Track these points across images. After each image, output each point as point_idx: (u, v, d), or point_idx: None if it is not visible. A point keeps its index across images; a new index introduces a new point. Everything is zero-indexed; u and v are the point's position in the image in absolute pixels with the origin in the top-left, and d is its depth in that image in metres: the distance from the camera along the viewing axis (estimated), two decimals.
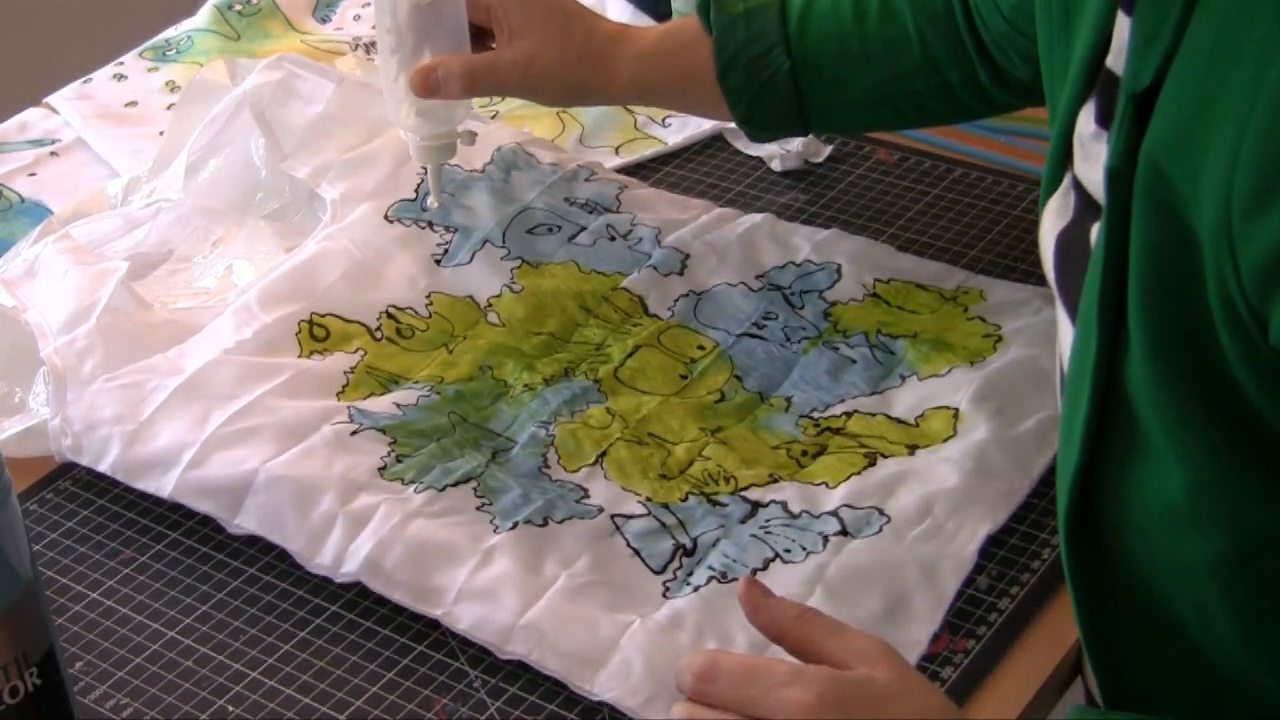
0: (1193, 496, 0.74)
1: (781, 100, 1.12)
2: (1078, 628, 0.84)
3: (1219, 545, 0.74)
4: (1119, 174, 0.74)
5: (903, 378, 1.06)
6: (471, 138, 1.10)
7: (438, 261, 1.17)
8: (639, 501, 0.98)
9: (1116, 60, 0.78)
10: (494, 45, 1.11)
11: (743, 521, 0.96)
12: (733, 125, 1.34)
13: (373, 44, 1.50)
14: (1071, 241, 0.83)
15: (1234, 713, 0.79)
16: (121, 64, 1.50)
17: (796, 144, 1.31)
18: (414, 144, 1.09)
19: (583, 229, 1.19)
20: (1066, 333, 0.82)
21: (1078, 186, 0.83)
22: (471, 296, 1.14)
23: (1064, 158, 0.85)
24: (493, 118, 1.37)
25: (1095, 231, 0.78)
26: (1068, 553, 0.81)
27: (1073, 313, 0.81)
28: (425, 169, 1.11)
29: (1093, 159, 0.80)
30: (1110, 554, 0.80)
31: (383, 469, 1.00)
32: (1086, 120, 0.82)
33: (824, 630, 0.77)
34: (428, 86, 1.06)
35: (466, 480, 0.99)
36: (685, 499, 0.98)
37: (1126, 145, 0.74)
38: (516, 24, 1.09)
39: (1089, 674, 0.90)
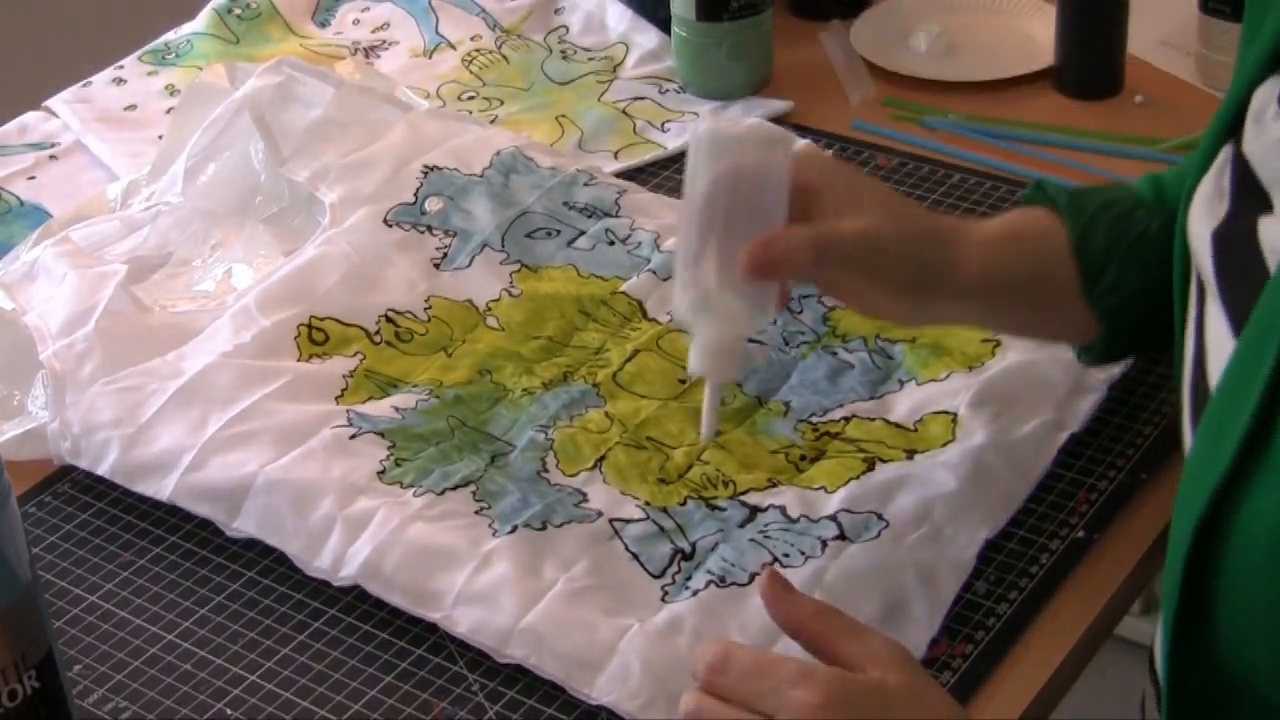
0: None
1: (1152, 259, 0.93)
2: (1161, 655, 0.78)
3: None
4: None
5: (901, 382, 1.06)
6: (765, 353, 0.93)
7: (437, 265, 1.17)
8: (637, 505, 0.98)
9: None
10: None
11: (741, 526, 0.96)
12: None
13: (371, 48, 1.50)
14: (1233, 240, 0.77)
15: None
16: (121, 67, 1.50)
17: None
18: (699, 350, 0.89)
19: (582, 233, 1.19)
20: (1223, 339, 0.76)
21: (1239, 167, 0.78)
22: (470, 300, 1.14)
23: (1229, 131, 0.79)
24: (493, 122, 1.37)
25: (1265, 229, 0.72)
26: (1182, 578, 0.75)
27: (1235, 320, 0.75)
28: (701, 380, 0.92)
29: (1270, 140, 0.74)
30: (1228, 582, 0.74)
31: (381, 473, 1.00)
32: (1270, 94, 0.76)
33: (841, 630, 0.77)
34: (766, 261, 0.87)
35: (465, 484, 1.00)
36: (684, 503, 0.98)
37: None
38: (847, 200, 0.91)
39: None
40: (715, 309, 0.89)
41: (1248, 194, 0.78)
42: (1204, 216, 0.81)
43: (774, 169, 0.89)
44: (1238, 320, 0.76)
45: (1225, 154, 0.81)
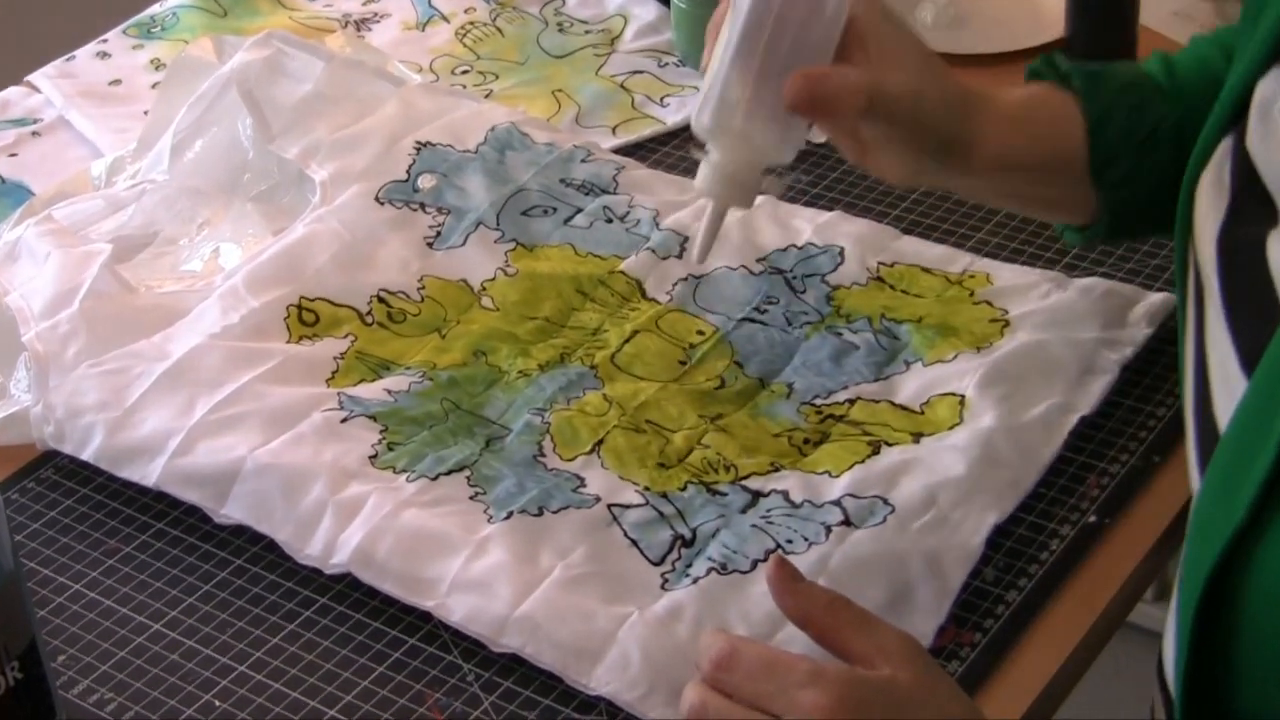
0: None
1: (1166, 155, 0.94)
2: (1176, 695, 0.77)
3: None
4: None
5: (907, 364, 1.06)
6: (779, 188, 0.90)
7: (430, 244, 1.16)
8: (637, 491, 0.98)
9: None
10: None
11: (743, 511, 0.96)
12: None
13: (363, 21, 1.49)
14: (1239, 253, 0.76)
15: None
16: (105, 41, 1.49)
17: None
18: (712, 170, 0.87)
19: (579, 211, 1.19)
20: (1228, 366, 0.74)
21: (1239, 161, 0.77)
22: (465, 280, 1.14)
23: (1229, 123, 0.79)
24: (487, 96, 1.36)
25: (1274, 250, 0.70)
26: (1193, 627, 0.74)
27: (1241, 349, 0.73)
28: (701, 212, 0.90)
29: (1275, 139, 0.73)
30: (1243, 630, 0.73)
31: (374, 457, 1.00)
32: (1275, 88, 0.74)
33: (852, 622, 0.77)
34: (814, 97, 0.84)
35: (460, 469, 0.99)
36: (684, 488, 0.98)
37: None
38: (891, 51, 0.88)
39: None
40: (740, 130, 0.85)
41: (1253, 198, 0.77)
42: (1208, 211, 0.81)
43: (832, 1, 0.86)
44: (1244, 350, 0.75)
45: (1226, 146, 0.80)
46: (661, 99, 1.37)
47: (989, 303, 1.10)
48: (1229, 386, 0.75)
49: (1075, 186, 0.97)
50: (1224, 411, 0.76)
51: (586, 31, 1.46)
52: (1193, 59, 0.97)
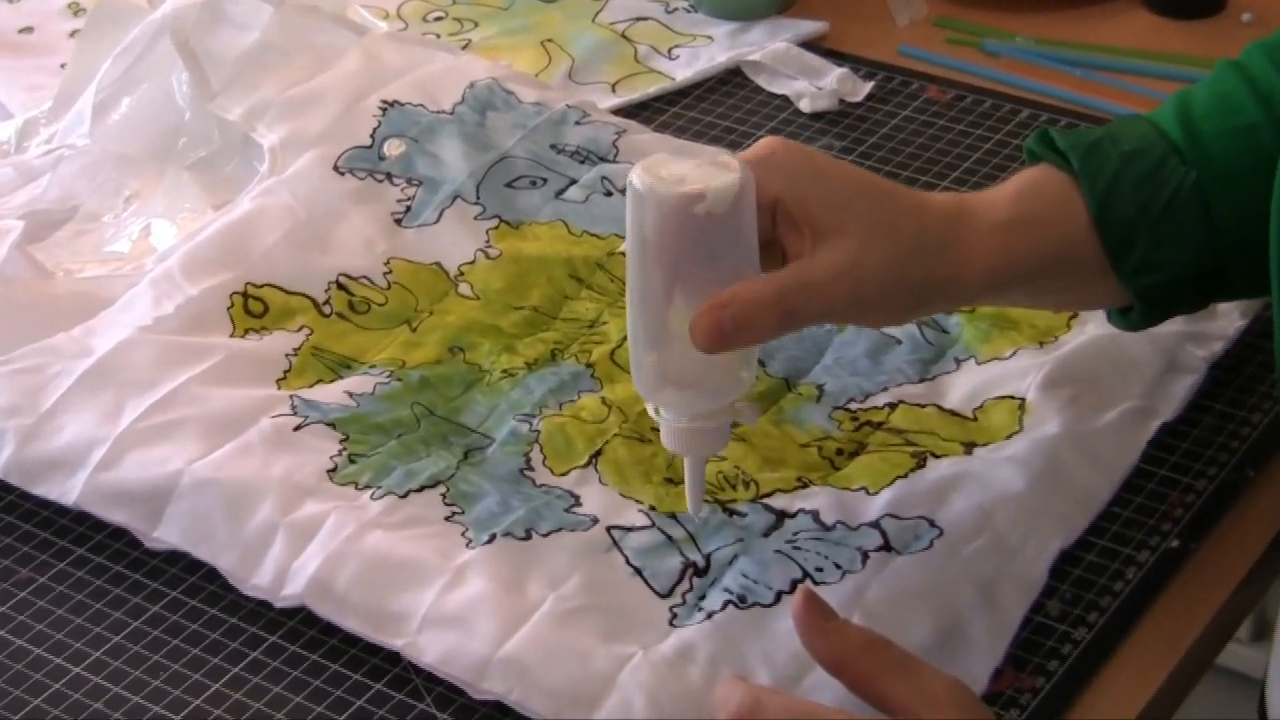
0: None
1: (1191, 226, 0.94)
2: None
3: None
4: None
5: (958, 361, 1.07)
6: (753, 414, 0.94)
7: (398, 221, 1.17)
8: (640, 510, 0.98)
9: None
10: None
11: (765, 534, 0.97)
12: (754, 57, 1.35)
13: None
14: None
15: None
16: None
17: (830, 79, 1.32)
18: (669, 428, 0.91)
19: (573, 182, 1.19)
20: None
21: None
22: (439, 263, 1.15)
23: None
24: (464, 47, 1.37)
25: None
26: None
27: None
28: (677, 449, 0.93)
29: None
30: None
31: (332, 471, 1.01)
32: None
33: (892, 666, 0.77)
34: (720, 333, 0.86)
35: (433, 484, 1.00)
36: None
37: None
38: (823, 219, 0.89)
39: None
40: (692, 381, 0.90)
41: None
42: None
43: (730, 204, 0.87)
44: None
45: None
46: (669, 50, 1.38)
47: None
48: None
49: (1097, 280, 0.96)
50: None
51: None
52: (1213, 99, 0.96)
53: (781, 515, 0.98)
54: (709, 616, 0.92)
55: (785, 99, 1.33)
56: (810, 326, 0.95)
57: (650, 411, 0.92)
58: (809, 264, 0.89)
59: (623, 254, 1.13)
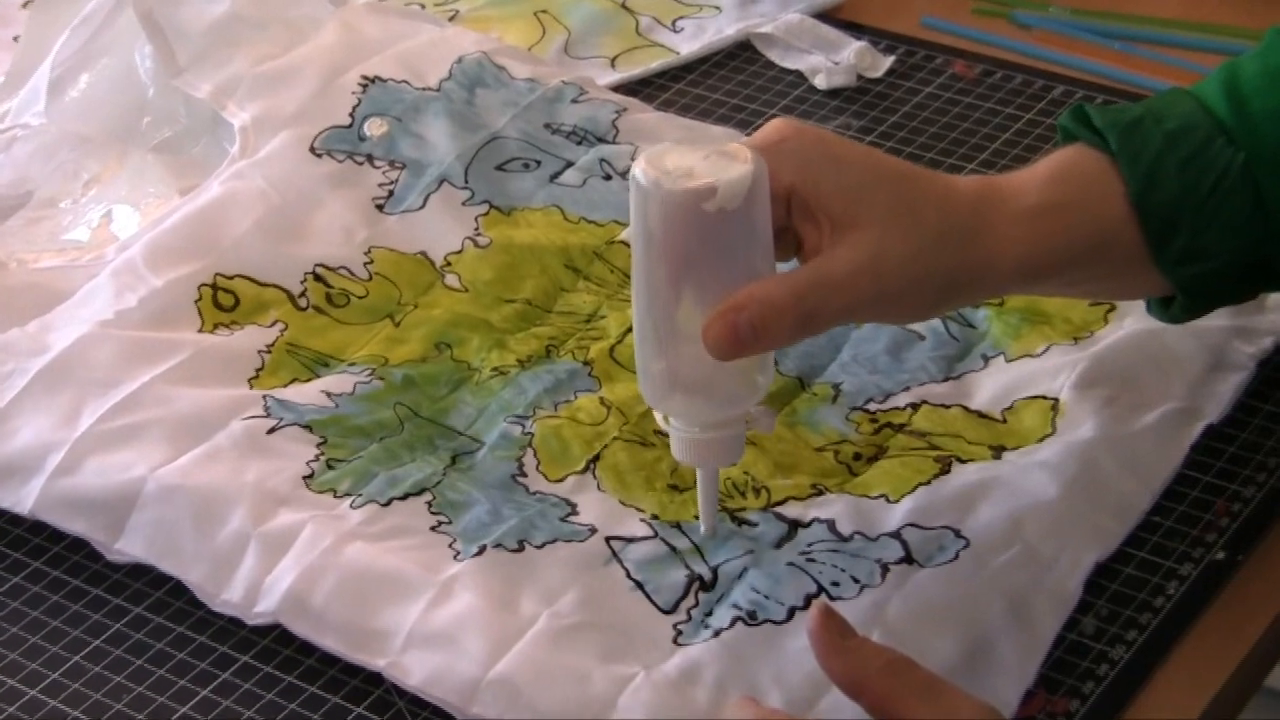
0: None
1: (1239, 212, 0.93)
2: None
3: None
4: None
5: (985, 358, 1.07)
6: (770, 421, 0.93)
7: (380, 207, 1.17)
8: (642, 520, 0.99)
9: None
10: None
11: (777, 546, 0.97)
12: (765, 29, 1.35)
13: None
14: None
15: None
16: None
17: (847, 53, 1.32)
18: (680, 438, 0.92)
19: (569, 165, 1.19)
20: None
21: None
22: (424, 253, 1.15)
23: None
24: (451, 19, 1.37)
25: None
26: None
27: None
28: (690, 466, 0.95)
29: None
30: None
31: (309, 477, 1.01)
32: None
33: (915, 688, 0.77)
34: (735, 338, 0.87)
35: (418, 492, 1.00)
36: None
37: None
38: (840, 208, 0.90)
39: None
40: (704, 388, 0.90)
41: None
42: None
43: (743, 198, 0.87)
44: None
45: None
46: (673, 22, 1.38)
47: None
48: None
49: (1136, 270, 0.96)
50: None
51: None
52: (1263, 73, 0.95)
53: (795, 525, 0.98)
54: (716, 634, 0.92)
55: (799, 75, 1.33)
56: (832, 328, 0.96)
57: (659, 420, 0.92)
58: (827, 260, 0.90)
59: (623, 242, 1.14)
